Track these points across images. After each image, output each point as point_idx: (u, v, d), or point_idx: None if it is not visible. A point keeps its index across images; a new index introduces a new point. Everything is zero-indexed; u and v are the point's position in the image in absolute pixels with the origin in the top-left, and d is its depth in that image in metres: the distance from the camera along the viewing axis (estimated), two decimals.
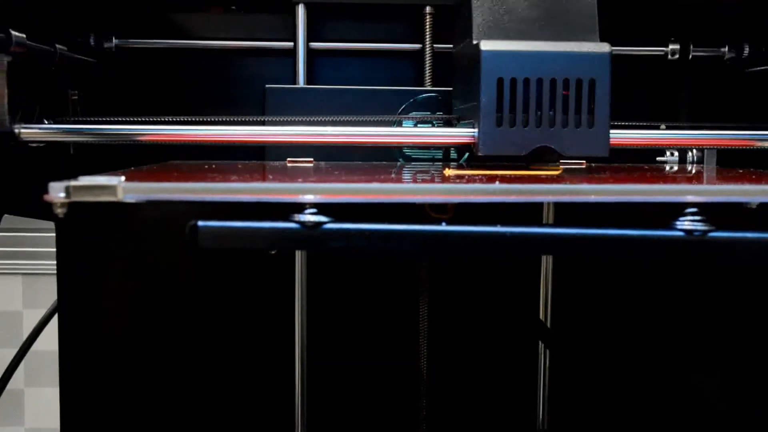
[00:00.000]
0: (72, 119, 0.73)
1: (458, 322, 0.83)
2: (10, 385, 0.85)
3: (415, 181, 0.55)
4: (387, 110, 0.76)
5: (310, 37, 0.78)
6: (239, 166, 0.66)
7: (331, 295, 0.81)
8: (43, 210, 0.48)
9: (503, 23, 0.61)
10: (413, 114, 0.76)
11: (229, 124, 0.68)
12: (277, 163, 0.73)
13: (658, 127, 0.76)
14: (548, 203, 0.79)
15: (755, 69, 0.79)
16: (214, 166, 0.65)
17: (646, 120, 0.75)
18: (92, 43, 0.76)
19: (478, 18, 0.61)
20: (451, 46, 0.70)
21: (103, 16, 0.78)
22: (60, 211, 0.43)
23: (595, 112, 0.59)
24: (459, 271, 0.82)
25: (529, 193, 0.46)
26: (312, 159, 0.73)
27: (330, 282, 0.81)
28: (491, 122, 0.59)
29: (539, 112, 0.59)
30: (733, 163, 0.71)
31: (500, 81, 0.59)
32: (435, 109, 0.76)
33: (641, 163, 0.75)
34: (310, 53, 0.79)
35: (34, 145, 0.66)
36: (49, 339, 0.81)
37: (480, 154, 0.60)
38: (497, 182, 0.48)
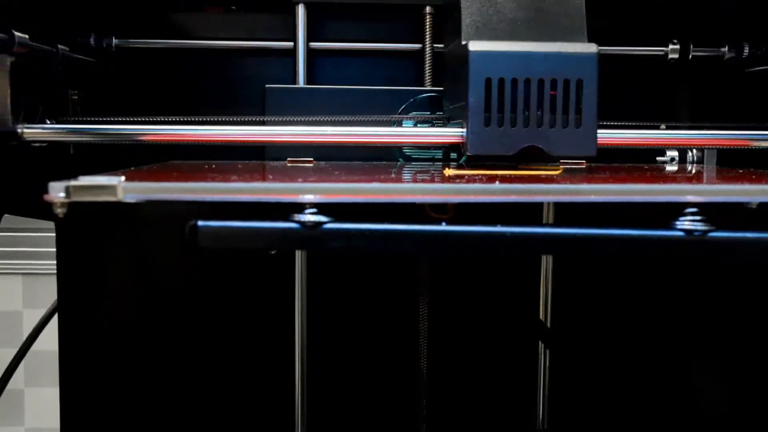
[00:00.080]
0: (72, 119, 0.73)
1: (458, 322, 0.83)
2: (10, 385, 0.85)
3: (415, 181, 0.55)
4: (387, 110, 0.76)
5: (310, 37, 0.79)
6: (239, 166, 0.66)
7: (331, 295, 0.81)
8: (43, 210, 0.48)
9: (492, 24, 0.62)
10: (413, 114, 0.76)
11: (229, 124, 0.68)
12: (277, 163, 0.73)
13: (657, 127, 0.76)
14: (548, 203, 0.79)
15: (755, 69, 0.79)
16: (214, 166, 0.65)
17: (646, 120, 0.75)
18: (92, 43, 0.76)
19: (467, 19, 0.62)
20: None
21: (103, 16, 0.78)
22: (60, 211, 0.43)
23: (582, 112, 0.60)
24: (459, 271, 0.82)
25: (529, 193, 0.46)
26: (312, 159, 0.73)
27: (330, 282, 0.81)
28: (479, 122, 0.59)
29: (527, 112, 0.60)
30: (733, 163, 0.71)
31: (488, 81, 0.59)
32: (435, 109, 0.76)
33: (641, 163, 0.75)
34: (310, 53, 0.79)
35: (37, 144, 0.66)
36: (49, 339, 0.81)
37: (468, 153, 0.60)
38: (497, 182, 0.48)
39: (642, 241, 0.47)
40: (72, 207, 0.43)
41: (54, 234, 0.79)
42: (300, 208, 0.45)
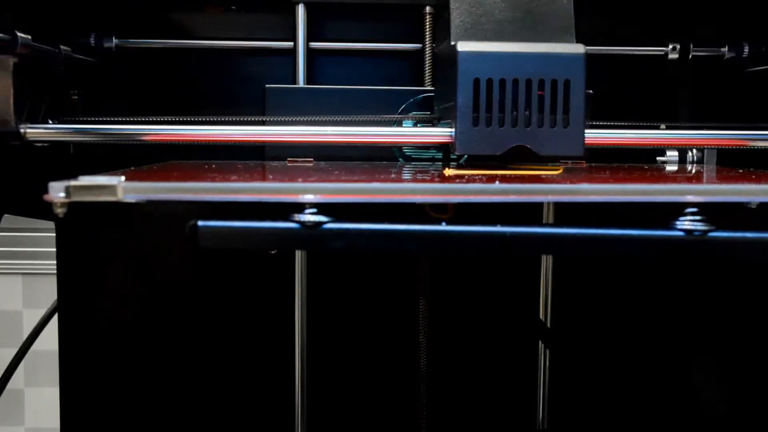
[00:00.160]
0: (73, 119, 0.73)
1: (458, 321, 0.83)
2: (10, 385, 0.85)
3: (414, 181, 0.55)
4: (387, 110, 0.76)
5: (310, 36, 0.79)
6: (239, 166, 0.66)
7: (331, 294, 0.81)
8: (43, 210, 0.48)
9: (481, 24, 0.62)
10: (413, 114, 0.76)
11: (229, 124, 0.68)
12: (277, 163, 0.73)
13: (657, 127, 0.76)
14: (548, 203, 0.79)
15: (755, 69, 0.79)
16: (214, 166, 0.65)
17: (646, 120, 0.75)
18: (92, 43, 0.76)
19: (456, 19, 0.62)
20: None
21: (103, 16, 0.78)
22: (60, 211, 0.43)
23: (570, 111, 0.60)
24: (459, 271, 0.82)
25: (529, 193, 0.46)
26: (312, 159, 0.73)
27: (330, 282, 0.81)
28: (468, 122, 0.60)
29: (515, 112, 0.60)
30: (733, 163, 0.71)
31: (476, 81, 0.59)
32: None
33: (641, 163, 0.75)
34: (310, 53, 0.79)
35: (39, 144, 0.66)
36: (49, 339, 0.81)
37: (457, 153, 0.61)
38: (497, 182, 0.48)
39: (642, 241, 0.47)
40: (72, 207, 0.43)
41: (54, 234, 0.79)
42: (300, 208, 0.45)
